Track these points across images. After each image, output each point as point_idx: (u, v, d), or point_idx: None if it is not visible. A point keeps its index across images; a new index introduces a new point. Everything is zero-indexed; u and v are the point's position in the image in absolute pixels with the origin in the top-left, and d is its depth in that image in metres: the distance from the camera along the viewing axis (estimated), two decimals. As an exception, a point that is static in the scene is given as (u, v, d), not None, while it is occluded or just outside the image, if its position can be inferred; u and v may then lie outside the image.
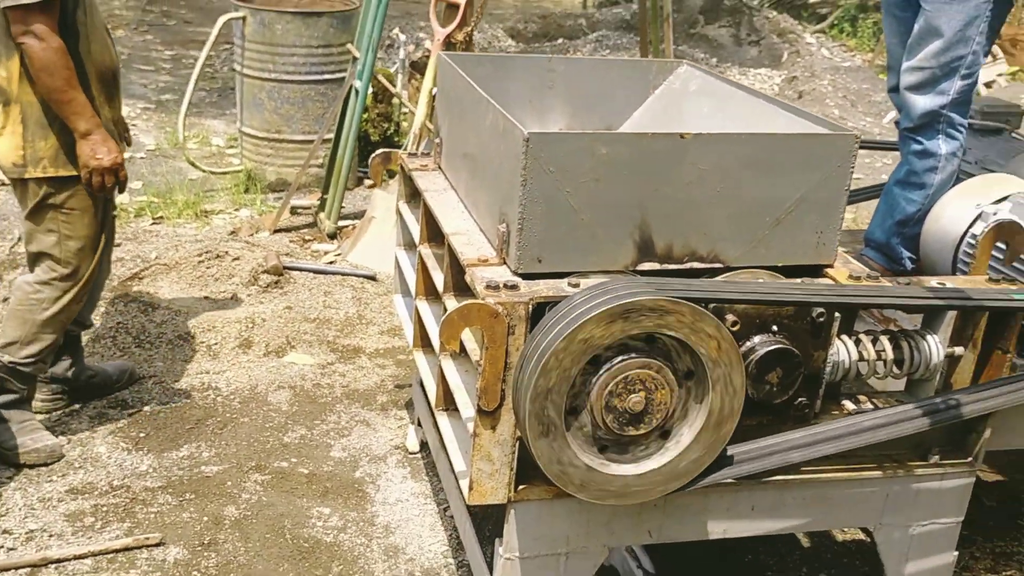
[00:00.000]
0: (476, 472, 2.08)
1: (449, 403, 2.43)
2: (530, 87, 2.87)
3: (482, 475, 2.09)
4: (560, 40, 9.95)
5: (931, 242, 2.70)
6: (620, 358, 1.90)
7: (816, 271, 2.26)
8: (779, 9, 13.82)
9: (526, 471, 2.11)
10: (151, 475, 2.89)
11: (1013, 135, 3.15)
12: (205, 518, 2.71)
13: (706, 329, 1.90)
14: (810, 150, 2.14)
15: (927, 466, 2.38)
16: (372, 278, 4.27)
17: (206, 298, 3.93)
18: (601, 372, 1.90)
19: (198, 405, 3.28)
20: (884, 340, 2.23)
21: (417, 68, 6.46)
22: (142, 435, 3.09)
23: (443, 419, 2.42)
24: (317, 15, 5.40)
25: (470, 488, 2.09)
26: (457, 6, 4.28)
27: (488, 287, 2.00)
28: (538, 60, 2.92)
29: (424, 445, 3.13)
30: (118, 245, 4.33)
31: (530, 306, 1.98)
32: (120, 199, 5.23)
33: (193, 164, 5.49)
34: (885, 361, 2.23)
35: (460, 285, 2.33)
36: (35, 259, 2.90)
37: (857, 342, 2.22)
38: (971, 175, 2.92)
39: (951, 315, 2.23)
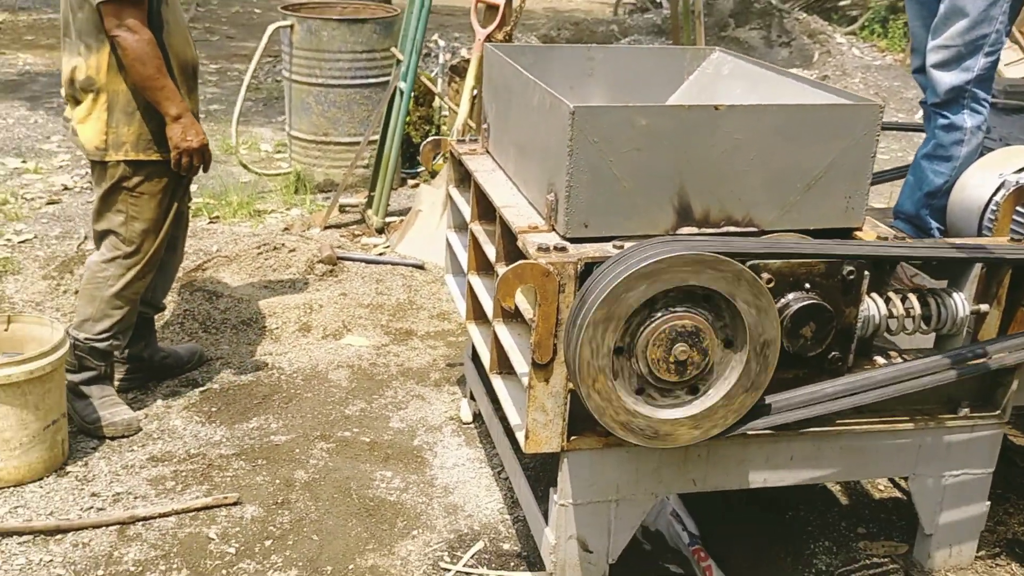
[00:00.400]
0: (531, 422, 2.25)
1: (503, 366, 2.61)
2: (571, 74, 3.04)
3: (537, 425, 2.26)
4: (593, 45, 10.12)
5: (957, 211, 2.84)
6: (674, 308, 2.07)
7: (846, 234, 2.41)
8: (809, 11, 13.92)
9: (577, 423, 2.29)
10: (225, 444, 3.09)
11: (1034, 109, 3.27)
12: (277, 481, 2.91)
13: (752, 294, 2.06)
14: (837, 119, 2.29)
15: (957, 418, 2.52)
16: (420, 267, 4.46)
17: (265, 287, 4.15)
18: (656, 316, 2.07)
19: (264, 383, 3.48)
20: (912, 297, 2.38)
21: (456, 72, 6.68)
22: (214, 410, 3.30)
23: (497, 381, 2.60)
24: (361, 22, 5.63)
25: (526, 437, 2.27)
26: (496, 7, 4.48)
27: (539, 249, 2.18)
28: (578, 49, 3.10)
29: (477, 416, 3.31)
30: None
31: (579, 266, 2.16)
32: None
33: (246, 167, 5.73)
34: (914, 317, 2.38)
35: (512, 254, 2.51)
36: (102, 237, 3.13)
37: (887, 299, 2.37)
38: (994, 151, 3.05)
39: (976, 273, 2.37)
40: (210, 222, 5.15)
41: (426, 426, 3.27)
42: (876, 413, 2.46)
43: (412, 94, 5.29)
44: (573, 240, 2.23)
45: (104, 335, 3.11)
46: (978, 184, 2.79)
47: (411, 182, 5.99)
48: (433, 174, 5.81)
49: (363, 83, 5.71)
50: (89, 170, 3.17)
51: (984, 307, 2.42)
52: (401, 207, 5.38)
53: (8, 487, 2.82)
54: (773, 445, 2.44)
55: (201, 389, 3.43)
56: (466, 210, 2.97)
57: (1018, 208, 2.43)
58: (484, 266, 2.86)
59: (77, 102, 2.99)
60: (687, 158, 2.24)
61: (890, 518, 2.91)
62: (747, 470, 2.47)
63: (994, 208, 2.71)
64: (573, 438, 2.30)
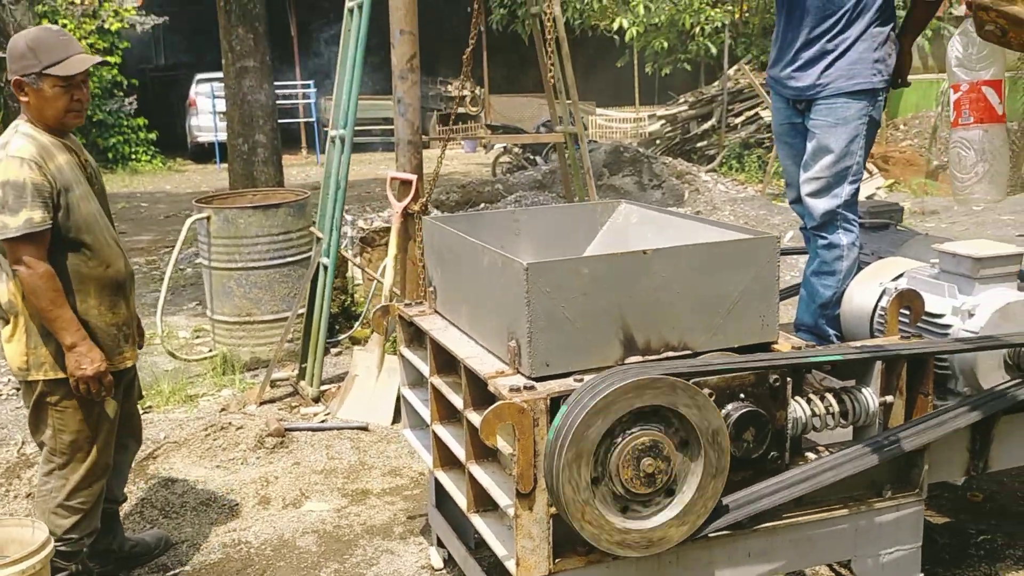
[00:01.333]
0: (520, 549, 2.48)
1: (480, 505, 2.84)
2: (500, 235, 3.40)
3: (525, 551, 2.49)
4: (483, 205, 10.71)
5: (849, 319, 3.27)
6: (630, 430, 2.37)
7: (765, 348, 2.78)
8: (672, 155, 15.05)
9: (560, 546, 2.52)
10: (209, 621, 3.18)
11: (898, 228, 3.80)
12: (269, 648, 3.00)
13: (689, 397, 2.39)
14: (744, 251, 2.70)
15: (883, 500, 2.86)
16: (365, 428, 4.66)
17: (218, 466, 4.26)
18: (617, 441, 2.36)
19: (234, 559, 3.58)
20: (829, 396, 2.75)
21: (366, 242, 7.05)
22: (190, 590, 3.38)
23: (476, 519, 2.82)
24: (275, 207, 5.95)
25: (517, 564, 2.49)
26: (409, 182, 4.88)
27: (511, 390, 2.47)
28: (505, 213, 3.49)
29: (447, 561, 3.48)
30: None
31: (547, 401, 2.45)
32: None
33: (173, 355, 5.86)
34: (833, 414, 2.74)
35: (479, 400, 2.78)
36: (40, 447, 3.23)
37: (808, 400, 2.73)
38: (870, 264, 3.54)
39: (878, 369, 2.77)
40: (144, 412, 5.24)
41: (401, 577, 3.42)
42: (815, 505, 2.78)
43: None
44: (538, 379, 2.53)
45: (66, 538, 3.16)
46: (863, 293, 3.24)
47: (334, 350, 6.21)
48: (358, 341, 6.08)
49: (281, 263, 5.98)
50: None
51: (889, 398, 2.80)
52: (328, 375, 5.58)
53: None
54: (732, 544, 2.72)
55: (172, 573, 3.50)
56: (423, 366, 3.23)
57: (902, 310, 2.86)
58: (448, 415, 3.11)
59: (5, 322, 3.12)
60: (625, 297, 2.59)
61: (839, 602, 3.20)
62: (712, 571, 2.73)
63: (881, 312, 3.15)
64: (558, 560, 2.53)
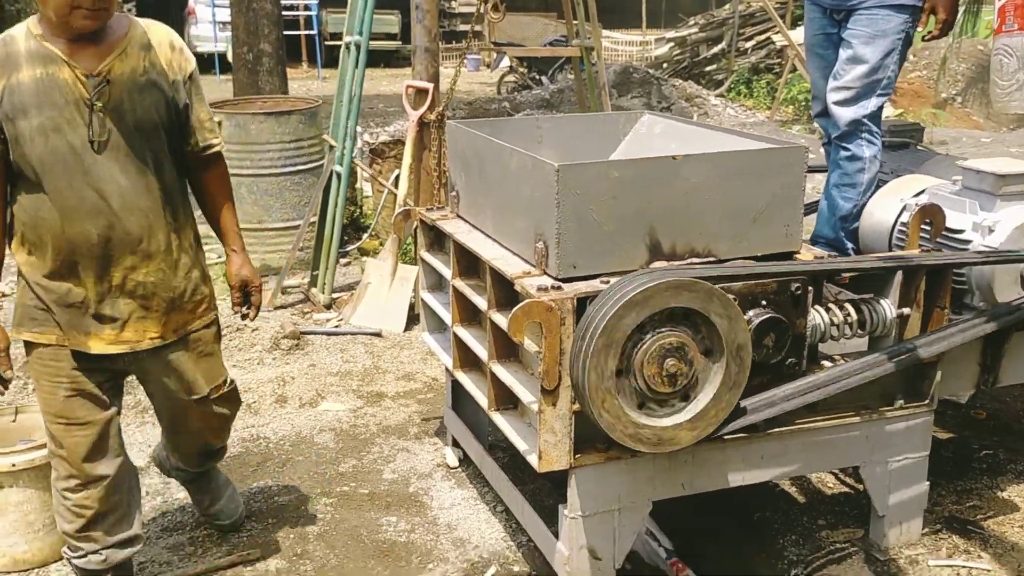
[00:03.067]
0: (543, 443, 2.55)
1: (500, 403, 2.91)
2: (523, 142, 3.38)
3: (548, 445, 2.56)
4: (540, 115, 10.64)
5: (868, 233, 3.30)
6: (660, 328, 2.42)
7: (788, 257, 2.81)
8: (681, 78, 14.90)
9: (581, 442, 2.59)
10: (232, 510, 3.27)
11: (918, 147, 3.81)
12: (292, 536, 3.10)
13: (723, 307, 2.43)
14: (775, 160, 2.72)
15: (895, 410, 2.93)
16: (378, 334, 4.72)
17: (234, 366, 4.33)
18: (646, 337, 2.41)
19: (254, 452, 3.67)
20: (848, 305, 2.80)
21: (376, 154, 7.03)
22: (212, 481, 3.47)
23: (497, 417, 2.88)
24: (287, 114, 5.92)
25: (539, 458, 2.56)
26: (426, 91, 4.85)
27: (539, 289, 2.51)
28: (527, 120, 3.48)
29: (462, 460, 3.57)
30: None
31: (574, 300, 2.49)
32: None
33: (185, 258, 5.89)
34: (851, 323, 2.79)
35: (504, 300, 2.82)
36: None
37: (828, 309, 2.77)
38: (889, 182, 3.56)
39: (897, 281, 2.81)
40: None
41: (417, 474, 3.51)
42: (829, 411, 2.85)
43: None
44: (565, 280, 2.56)
45: (77, 547, 2.64)
46: (883, 208, 3.26)
47: (343, 261, 6.25)
48: (367, 252, 6.11)
49: (293, 171, 5.98)
50: None
51: (907, 310, 2.85)
52: (339, 284, 5.62)
53: (33, 568, 2.93)
54: (747, 447, 2.79)
55: (194, 464, 3.59)
56: (444, 270, 3.27)
57: (924, 223, 2.89)
58: (470, 317, 3.16)
59: None
60: (654, 201, 2.61)
61: (843, 509, 3.29)
62: (726, 471, 2.81)
63: (901, 228, 3.18)
64: (578, 456, 2.60)
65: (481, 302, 2.93)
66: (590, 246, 2.58)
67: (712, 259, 2.72)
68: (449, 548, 3.05)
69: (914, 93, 16.37)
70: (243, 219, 6.03)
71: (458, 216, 3.31)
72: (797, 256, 2.81)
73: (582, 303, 2.49)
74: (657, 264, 2.66)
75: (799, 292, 2.67)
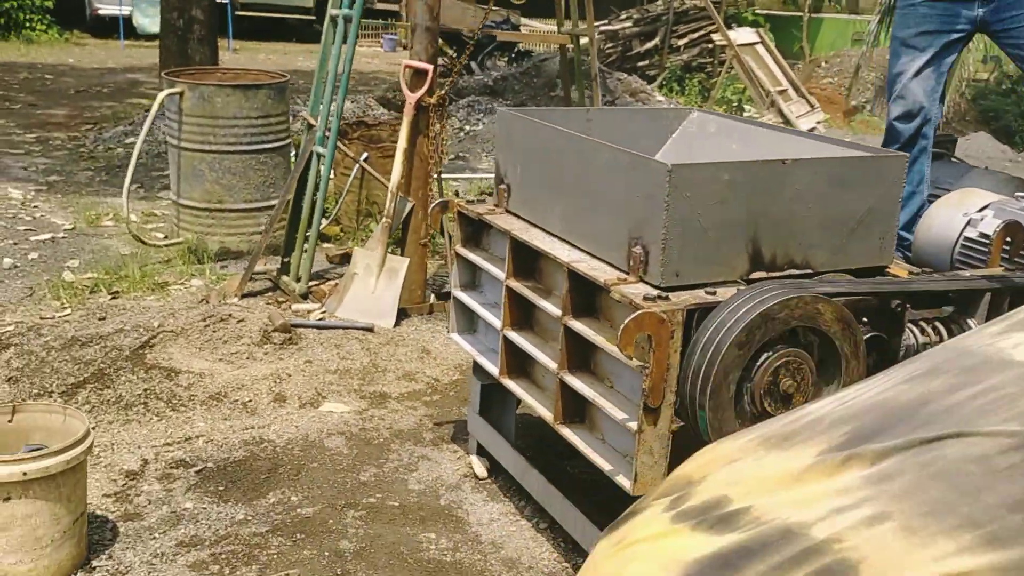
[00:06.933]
0: (640, 465, 2.37)
1: (569, 416, 2.71)
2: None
3: (644, 467, 2.38)
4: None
5: (926, 247, 3.22)
6: (779, 347, 2.26)
7: (878, 272, 2.70)
8: (612, 71, 14.85)
9: (673, 464, 2.42)
10: (252, 522, 2.97)
11: (951, 159, 3.76)
12: (326, 553, 2.83)
13: (843, 321, 2.29)
14: (877, 168, 2.59)
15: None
16: (370, 329, 4.45)
17: (221, 360, 4.00)
18: (765, 358, 2.25)
19: (260, 457, 3.37)
20: (939, 325, 2.70)
21: (342, 135, 6.68)
22: (221, 488, 3.16)
23: (567, 431, 2.69)
24: (256, 87, 5.56)
25: (635, 480, 2.38)
26: (425, 72, 4.58)
27: (646, 299, 2.32)
28: (578, 111, 3.29)
29: (490, 471, 3.35)
30: (102, 318, 4.33)
31: (684, 312, 2.31)
32: (68, 276, 5.17)
33: (141, 240, 5.47)
34: (940, 342, 2.69)
35: (581, 307, 2.63)
36: None
37: (920, 328, 2.67)
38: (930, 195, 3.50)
39: (986, 301, 2.72)
40: (112, 298, 4.88)
41: (444, 485, 3.28)
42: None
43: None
44: (667, 289, 2.38)
45: None
46: (945, 222, 3.18)
47: (305, 246, 5.90)
48: (328, 238, 5.78)
49: (259, 148, 5.62)
50: None
51: (985, 329, 2.77)
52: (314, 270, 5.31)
53: (39, 591, 2.60)
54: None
55: (196, 469, 3.27)
56: (491, 268, 3.04)
57: (1006, 240, 2.82)
58: (522, 322, 2.95)
59: None
60: (760, 208, 2.46)
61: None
62: (806, 492, 2.68)
63: (964, 242, 3.11)
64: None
65: (549, 307, 2.73)
66: (694, 253, 2.41)
67: (809, 271, 2.58)
68: (501, 569, 2.83)
69: (827, 99, 16.74)
70: (202, 199, 5.67)
71: (507, 212, 3.08)
72: (889, 271, 2.70)
73: (690, 315, 2.32)
74: (756, 275, 2.51)
75: (899, 310, 2.56)
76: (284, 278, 5.13)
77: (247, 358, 4.03)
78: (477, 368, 3.34)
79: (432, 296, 5.00)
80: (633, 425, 2.37)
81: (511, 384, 2.98)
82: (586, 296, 2.64)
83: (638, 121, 3.39)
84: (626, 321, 2.22)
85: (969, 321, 2.72)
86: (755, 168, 2.45)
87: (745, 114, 13.64)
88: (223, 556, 2.80)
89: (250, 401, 3.73)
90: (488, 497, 3.23)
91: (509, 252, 2.91)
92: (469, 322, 3.34)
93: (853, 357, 2.36)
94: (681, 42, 14.42)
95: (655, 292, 2.34)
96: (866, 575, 0.93)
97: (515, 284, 2.91)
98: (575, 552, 2.91)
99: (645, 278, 2.43)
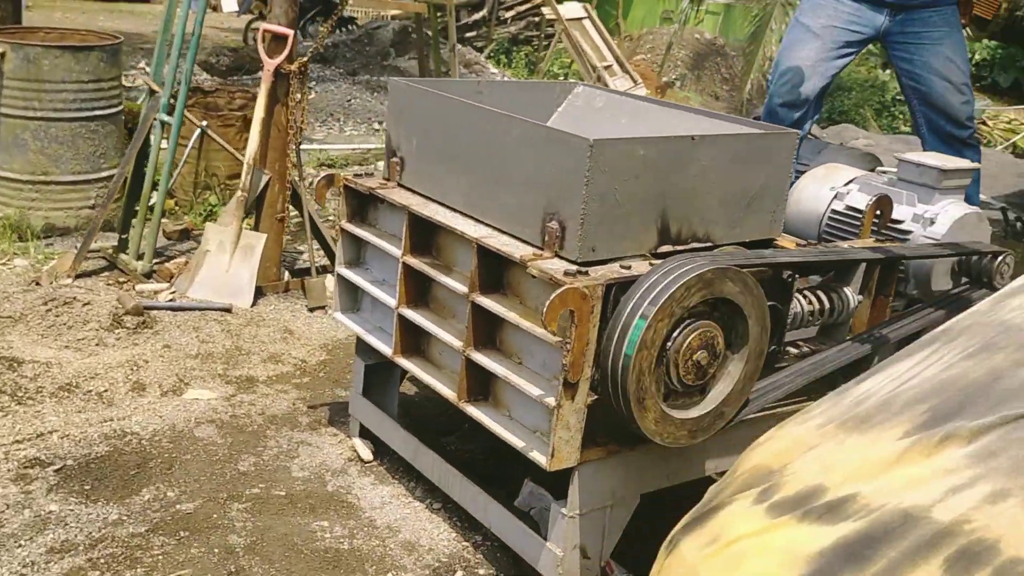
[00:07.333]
0: (558, 440, 2.35)
1: (474, 394, 2.66)
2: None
3: (562, 442, 2.36)
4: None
5: (795, 218, 3.35)
6: (696, 320, 2.29)
7: (768, 244, 2.79)
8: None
9: (585, 437, 2.42)
10: (128, 522, 2.76)
11: (810, 136, 3.94)
12: (216, 550, 2.67)
13: (751, 292, 2.35)
14: (773, 145, 2.67)
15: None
16: (228, 310, 4.21)
17: (67, 347, 3.68)
18: (681, 330, 2.28)
19: (126, 451, 3.13)
20: (820, 293, 2.82)
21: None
22: (87, 487, 2.91)
23: (472, 409, 2.63)
24: (88, 49, 5.12)
25: (552, 455, 2.36)
26: (285, 37, 4.36)
27: (566, 274, 2.29)
28: (469, 83, 3.21)
29: (376, 453, 3.25)
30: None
31: (604, 287, 2.30)
32: None
33: (-49, 214, 4.96)
34: (823, 310, 2.82)
35: (490, 283, 2.58)
36: None
37: (805, 297, 2.78)
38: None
39: (861, 270, 2.87)
40: (-80, 278, 4.41)
41: (330, 470, 3.15)
42: (793, 396, 2.87)
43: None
44: (584, 264, 2.37)
45: None
46: (812, 196, 3.33)
47: (134, 221, 5.52)
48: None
49: (90, 115, 5.19)
50: None
51: (860, 298, 2.93)
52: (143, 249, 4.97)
53: None
54: (722, 436, 2.74)
55: (54, 468, 3.00)
56: (382, 243, 2.93)
57: (877, 212, 2.97)
58: (417, 300, 2.86)
59: None
60: (670, 183, 2.48)
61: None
62: (704, 460, 2.76)
63: (831, 215, 3.26)
64: (583, 452, 2.43)
65: (453, 284, 2.66)
66: (609, 228, 2.40)
67: (710, 244, 2.63)
68: (401, 554, 2.76)
69: (640, 75, 17.31)
70: (25, 169, 5.20)
71: (400, 186, 2.98)
72: (779, 243, 2.79)
73: (608, 290, 2.31)
74: (663, 249, 2.54)
75: (790, 280, 2.65)
76: (123, 256, 4.78)
77: (97, 344, 3.73)
78: (361, 347, 3.23)
79: (287, 273, 4.81)
80: (551, 401, 2.34)
81: (406, 363, 2.89)
82: (493, 272, 2.58)
83: (527, 94, 3.35)
84: (551, 297, 2.19)
85: (845, 290, 2.85)
86: (667, 144, 2.47)
87: (571, 89, 13.86)
88: (102, 561, 2.58)
89: (106, 391, 3.46)
90: (377, 480, 3.13)
91: (407, 228, 2.81)
92: (352, 300, 3.21)
93: (758, 326, 2.43)
94: (509, 14, 14.46)
95: (575, 268, 2.32)
96: (1008, 553, 0.94)
97: (413, 261, 2.81)
98: (472, 529, 2.88)
99: (561, 253, 2.40)
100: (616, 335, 2.24)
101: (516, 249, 2.47)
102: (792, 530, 1.13)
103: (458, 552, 2.80)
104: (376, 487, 3.09)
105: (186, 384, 3.60)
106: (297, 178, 4.70)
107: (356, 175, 3.08)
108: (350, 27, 13.63)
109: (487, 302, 2.54)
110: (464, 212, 2.72)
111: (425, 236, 2.83)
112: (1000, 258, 2.98)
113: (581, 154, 2.30)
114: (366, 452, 3.26)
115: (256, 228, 4.62)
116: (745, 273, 2.33)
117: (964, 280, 3.08)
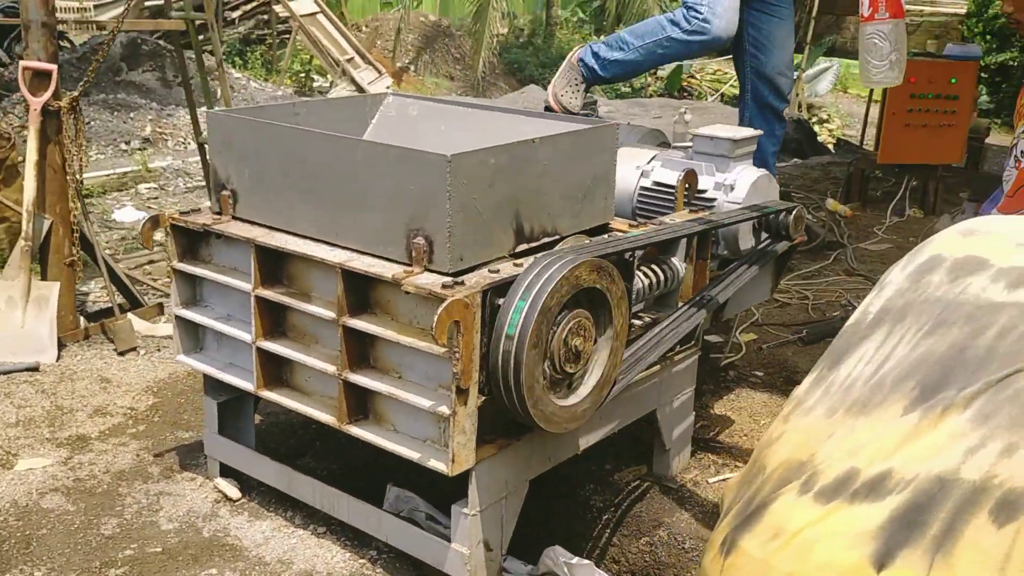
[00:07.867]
0: (456, 445, 2.45)
1: (354, 414, 2.69)
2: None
3: (460, 447, 2.46)
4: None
5: (609, 200, 3.59)
6: (569, 311, 2.45)
7: (604, 229, 2.99)
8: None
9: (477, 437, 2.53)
10: (1, 615, 2.57)
11: (595, 117, 4.19)
12: (111, 623, 2.55)
13: (612, 277, 2.54)
14: (599, 138, 2.86)
15: (677, 355, 3.29)
16: (35, 369, 3.93)
17: None
18: (561, 321, 2.43)
19: (-30, 539, 2.89)
20: (655, 267, 3.06)
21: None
22: (-61, 587, 2.68)
23: (357, 430, 2.66)
24: None
25: (452, 461, 2.45)
26: (48, 73, 4.09)
27: (444, 287, 2.38)
28: (284, 107, 3.18)
29: (241, 490, 3.19)
30: None
31: (481, 293, 2.41)
32: None
33: None
34: (659, 282, 3.06)
35: (359, 305, 2.61)
36: None
37: (643, 272, 3.01)
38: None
39: (684, 240, 3.14)
40: None
41: (200, 516, 3.06)
42: (638, 362, 3.11)
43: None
44: (455, 274, 2.46)
45: None
46: (623, 176, 3.57)
47: None
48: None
49: None
50: None
51: (686, 265, 3.21)
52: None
53: None
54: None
55: None
56: (225, 279, 2.87)
57: (687, 186, 3.26)
58: (274, 331, 2.84)
59: None
60: (519, 186, 2.61)
61: (618, 452, 3.59)
62: (577, 438, 2.94)
63: (642, 192, 3.52)
64: (477, 451, 2.54)
65: (317, 311, 2.67)
66: (473, 237, 2.51)
67: (558, 237, 2.80)
68: (302, 585, 2.75)
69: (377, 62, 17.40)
70: None
71: (235, 218, 2.92)
72: (612, 226, 3.00)
73: (484, 295, 2.42)
74: (520, 248, 2.67)
75: (631, 259, 2.87)
76: None
77: None
78: (211, 386, 3.15)
79: (83, 320, 4.53)
80: (444, 409, 2.43)
81: (271, 395, 2.86)
82: (359, 294, 2.62)
83: (341, 110, 3.36)
84: (439, 312, 2.26)
85: (673, 260, 3.12)
86: (513, 149, 2.59)
87: (316, 84, 13.70)
88: (-13, 661, 2.41)
89: (-76, 478, 3.16)
90: (252, 516, 3.08)
91: (255, 260, 2.77)
92: (195, 340, 3.12)
93: (618, 307, 2.62)
94: (235, 14, 14.00)
95: (449, 279, 2.40)
96: (1041, 496, 1.13)
97: (267, 293, 2.78)
98: (363, 546, 2.92)
99: (431, 267, 2.48)
100: (503, 336, 2.36)
101: (384, 268, 2.52)
102: (846, 512, 1.29)
103: (357, 570, 2.83)
104: (253, 523, 3.04)
105: (14, 456, 3.35)
106: (82, 217, 4.42)
107: (183, 213, 2.98)
108: (62, 44, 12.72)
109: (361, 324, 2.57)
110: (315, 238, 2.72)
111: (274, 266, 2.81)
112: (793, 212, 3.35)
113: (440, 170, 2.38)
114: (233, 491, 3.19)
115: (44, 277, 4.32)
116: (605, 261, 2.51)
117: (765, 236, 3.43)
